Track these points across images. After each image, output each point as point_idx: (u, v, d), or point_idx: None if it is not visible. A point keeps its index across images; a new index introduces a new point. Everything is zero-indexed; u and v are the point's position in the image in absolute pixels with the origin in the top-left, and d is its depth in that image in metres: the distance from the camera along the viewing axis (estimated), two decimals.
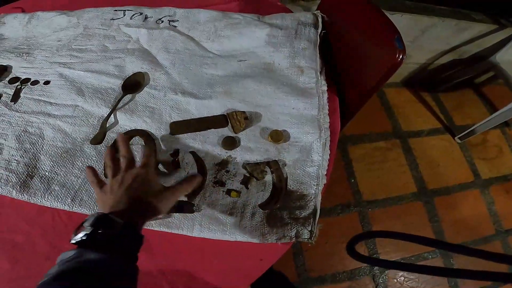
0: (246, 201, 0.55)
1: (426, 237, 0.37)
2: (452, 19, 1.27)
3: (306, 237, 0.53)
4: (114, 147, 0.54)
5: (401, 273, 1.31)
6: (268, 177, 0.57)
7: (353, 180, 1.47)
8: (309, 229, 0.53)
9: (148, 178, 0.45)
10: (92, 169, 0.49)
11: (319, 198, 0.56)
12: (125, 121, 0.61)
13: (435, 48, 1.50)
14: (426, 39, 1.38)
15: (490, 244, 1.41)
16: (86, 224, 0.37)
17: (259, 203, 0.55)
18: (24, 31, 0.79)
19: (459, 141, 1.64)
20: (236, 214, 0.54)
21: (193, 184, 0.49)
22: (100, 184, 0.47)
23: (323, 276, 1.25)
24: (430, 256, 1.35)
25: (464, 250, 0.33)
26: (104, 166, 0.56)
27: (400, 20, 1.21)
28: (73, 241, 0.37)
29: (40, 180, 0.54)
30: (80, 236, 0.36)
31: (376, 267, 1.30)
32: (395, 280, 1.28)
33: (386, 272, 1.30)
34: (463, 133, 1.60)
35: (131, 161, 0.48)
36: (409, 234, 0.38)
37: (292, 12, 0.83)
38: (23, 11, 0.84)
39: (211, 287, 0.53)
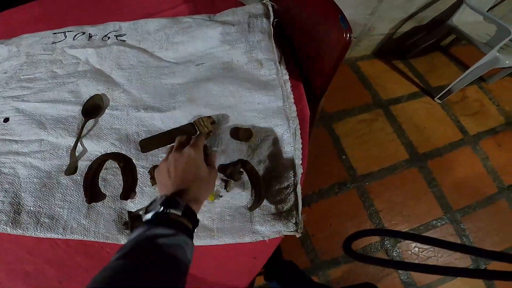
0: (229, 204, 0.65)
1: (425, 236, 0.42)
2: None
3: (292, 229, 0.62)
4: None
5: (414, 244, 1.45)
6: (245, 177, 0.67)
7: (344, 157, 1.61)
8: (293, 221, 0.62)
9: (197, 159, 0.55)
10: None
11: (299, 188, 0.65)
12: (93, 147, 0.71)
13: (394, 17, 1.67)
14: (384, 9, 1.54)
15: (496, 204, 1.56)
16: (156, 204, 0.48)
17: (243, 204, 0.65)
18: None
19: (439, 101, 1.82)
20: (221, 218, 0.64)
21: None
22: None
23: (335, 258, 1.39)
24: (439, 224, 1.49)
25: (460, 248, 0.38)
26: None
27: None
28: (144, 220, 0.48)
29: (28, 215, 0.64)
30: (150, 215, 0.47)
31: (387, 242, 1.43)
32: (410, 252, 1.43)
33: (398, 245, 1.44)
34: (441, 93, 1.77)
35: (182, 141, 0.58)
36: (408, 232, 0.43)
37: (244, 4, 0.92)
38: None
39: None
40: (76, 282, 0.62)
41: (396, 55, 1.98)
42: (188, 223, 0.48)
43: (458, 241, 1.45)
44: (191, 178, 0.53)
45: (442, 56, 2.06)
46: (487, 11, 1.54)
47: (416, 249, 1.43)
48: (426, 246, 1.44)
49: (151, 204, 0.49)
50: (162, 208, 0.47)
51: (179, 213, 0.47)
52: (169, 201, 0.48)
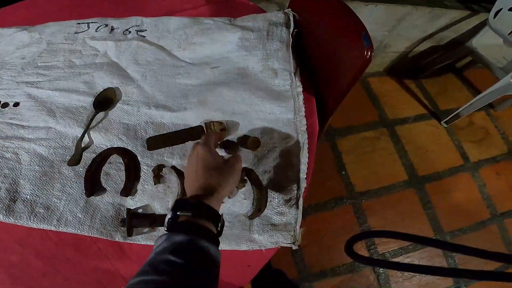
0: (229, 210, 0.61)
1: (424, 236, 0.40)
2: (425, 6, 1.37)
3: (289, 241, 0.59)
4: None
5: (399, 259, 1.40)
6: (249, 185, 0.62)
7: (344, 173, 1.55)
8: (292, 233, 0.59)
9: (204, 153, 0.50)
10: None
11: (301, 202, 0.61)
12: (100, 140, 0.66)
13: (412, 36, 1.61)
14: (403, 27, 1.48)
15: (486, 229, 1.51)
16: (168, 211, 0.44)
17: (243, 212, 0.61)
18: None
19: (445, 125, 1.76)
20: None
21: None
22: None
23: (323, 270, 1.34)
24: None
25: (461, 249, 0.35)
26: None
27: (375, 10, 1.29)
28: (164, 229, 0.44)
29: (23, 204, 0.59)
30: (166, 221, 0.43)
31: (375, 258, 1.39)
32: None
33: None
34: (448, 117, 1.71)
35: (196, 143, 0.54)
36: (407, 233, 0.41)
37: (264, 11, 0.88)
38: None
39: None
40: (61, 275, 0.58)
41: (409, 74, 1.91)
42: (205, 222, 0.43)
43: (444, 262, 1.43)
44: (201, 172, 0.49)
45: (454, 78, 2.00)
46: (508, 34, 1.47)
47: None
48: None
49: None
50: (171, 214, 0.43)
51: (189, 214, 0.43)
52: (178, 203, 0.44)
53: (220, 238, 0.57)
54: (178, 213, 0.43)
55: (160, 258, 0.39)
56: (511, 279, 0.30)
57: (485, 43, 1.55)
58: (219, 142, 0.63)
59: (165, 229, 0.43)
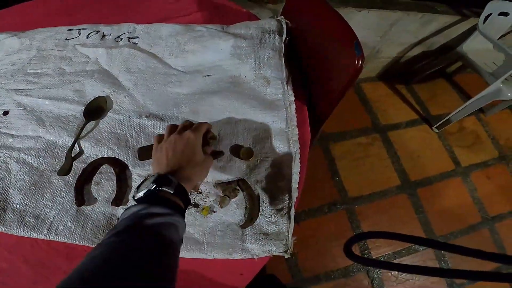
0: (221, 220, 0.61)
1: (425, 238, 0.41)
2: (416, 12, 1.39)
3: (281, 250, 0.59)
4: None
5: None
6: (241, 195, 0.63)
7: (337, 178, 1.57)
8: (284, 242, 0.60)
9: (195, 143, 0.54)
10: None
11: (293, 211, 0.62)
12: (90, 150, 0.65)
13: (404, 42, 1.64)
14: (395, 33, 1.50)
15: (477, 232, 1.54)
16: (148, 181, 0.46)
17: (235, 221, 0.61)
18: None
19: (437, 131, 1.78)
20: (212, 233, 0.60)
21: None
22: (159, 139, 0.57)
23: (317, 275, 1.35)
24: (420, 248, 1.45)
25: (459, 250, 0.36)
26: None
27: (368, 16, 1.30)
28: (135, 198, 0.47)
29: (13, 213, 0.59)
30: (142, 192, 0.46)
31: (374, 259, 1.39)
32: (390, 274, 1.39)
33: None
34: (439, 123, 1.74)
35: (186, 125, 0.58)
36: (406, 235, 0.41)
37: (258, 18, 0.88)
38: None
39: None
40: (51, 284, 0.57)
41: (400, 80, 1.94)
42: (180, 202, 0.47)
43: (437, 265, 1.44)
44: (186, 160, 0.52)
45: (445, 83, 2.03)
46: (498, 39, 1.49)
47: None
48: None
49: (143, 182, 0.48)
50: (154, 186, 0.45)
51: (171, 191, 0.46)
52: (161, 178, 0.47)
53: (212, 247, 0.59)
54: (160, 188, 0.46)
55: (143, 220, 0.41)
56: (507, 279, 0.30)
57: (475, 48, 1.57)
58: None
59: (139, 196, 0.46)
